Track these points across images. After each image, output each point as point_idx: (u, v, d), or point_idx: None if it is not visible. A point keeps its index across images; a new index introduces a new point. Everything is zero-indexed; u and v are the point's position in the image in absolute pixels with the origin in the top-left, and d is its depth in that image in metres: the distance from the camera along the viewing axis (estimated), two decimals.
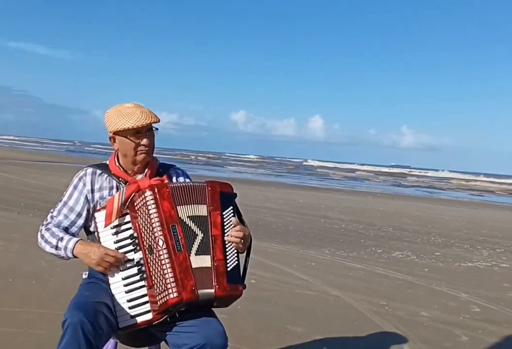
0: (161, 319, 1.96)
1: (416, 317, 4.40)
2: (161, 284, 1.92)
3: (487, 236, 10.27)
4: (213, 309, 2.08)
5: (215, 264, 1.96)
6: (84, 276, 2.26)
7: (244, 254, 2.14)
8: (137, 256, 2.03)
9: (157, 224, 1.96)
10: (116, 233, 2.08)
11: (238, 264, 2.04)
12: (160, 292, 1.92)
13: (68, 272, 4.74)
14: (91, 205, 2.20)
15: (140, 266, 2.02)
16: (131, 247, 2.05)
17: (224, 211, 2.06)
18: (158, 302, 1.92)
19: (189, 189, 2.05)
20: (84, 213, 2.20)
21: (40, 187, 12.11)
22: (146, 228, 1.99)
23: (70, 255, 2.09)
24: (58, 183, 12.73)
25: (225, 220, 2.05)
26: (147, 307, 1.98)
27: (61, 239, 2.10)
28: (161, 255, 1.93)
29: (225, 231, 2.03)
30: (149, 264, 1.98)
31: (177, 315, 1.97)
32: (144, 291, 2.00)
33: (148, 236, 1.99)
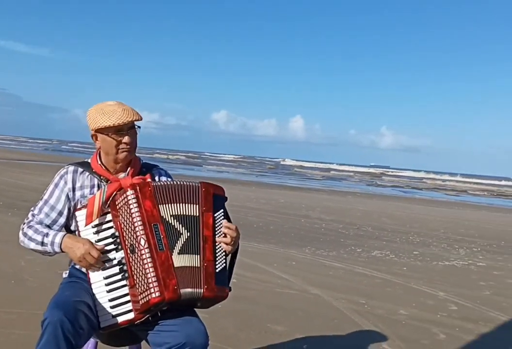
0: (143, 319, 1.95)
1: (395, 315, 4.45)
2: (143, 283, 1.91)
3: (464, 236, 10.44)
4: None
5: (205, 264, 1.96)
6: (65, 276, 2.23)
7: (229, 257, 2.13)
8: (118, 255, 2.02)
9: (139, 223, 1.95)
10: (97, 232, 2.06)
11: (226, 266, 2.05)
12: (142, 291, 1.91)
13: (47, 272, 4.69)
14: (72, 204, 2.19)
15: (121, 266, 2.01)
16: (112, 246, 2.04)
17: (216, 213, 2.06)
18: (140, 302, 1.91)
19: (175, 188, 2.04)
20: (65, 212, 2.19)
21: (19, 186, 11.93)
22: (127, 227, 1.98)
23: (57, 249, 2.07)
24: (36, 182, 12.57)
25: (216, 221, 2.05)
26: (129, 306, 1.97)
27: (47, 234, 2.09)
28: (143, 254, 1.92)
29: (216, 232, 2.04)
30: (130, 263, 1.97)
31: (159, 314, 1.97)
32: (125, 290, 1.99)
33: (130, 235, 1.98)
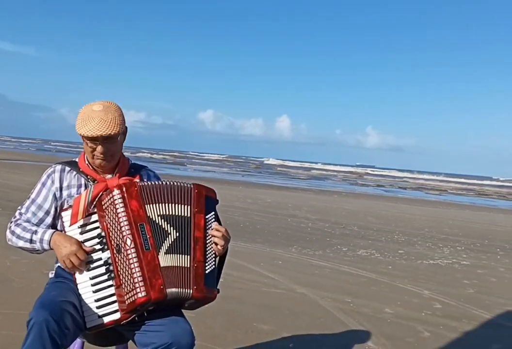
0: (129, 319, 1.95)
1: (380, 314, 4.49)
2: (129, 283, 1.91)
3: (448, 234, 10.55)
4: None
5: (195, 265, 1.97)
6: (51, 276, 2.23)
7: (217, 259, 2.13)
8: (104, 255, 2.02)
9: (125, 223, 1.95)
10: (83, 232, 2.06)
11: (215, 268, 2.06)
12: (128, 291, 1.91)
13: (33, 272, 4.66)
14: (59, 203, 2.18)
15: (108, 266, 2.01)
16: (98, 247, 2.04)
17: (207, 215, 2.07)
18: (126, 302, 1.92)
19: (164, 188, 2.05)
20: (52, 211, 2.18)
21: (3, 185, 11.80)
22: (114, 227, 1.98)
23: (46, 247, 2.07)
24: (21, 182, 12.46)
25: (207, 223, 2.06)
26: (115, 306, 1.97)
27: (35, 232, 2.08)
28: (129, 254, 1.92)
29: (207, 234, 2.05)
30: (117, 264, 1.97)
31: (146, 314, 1.97)
32: (112, 290, 1.99)
33: (116, 235, 1.98)
